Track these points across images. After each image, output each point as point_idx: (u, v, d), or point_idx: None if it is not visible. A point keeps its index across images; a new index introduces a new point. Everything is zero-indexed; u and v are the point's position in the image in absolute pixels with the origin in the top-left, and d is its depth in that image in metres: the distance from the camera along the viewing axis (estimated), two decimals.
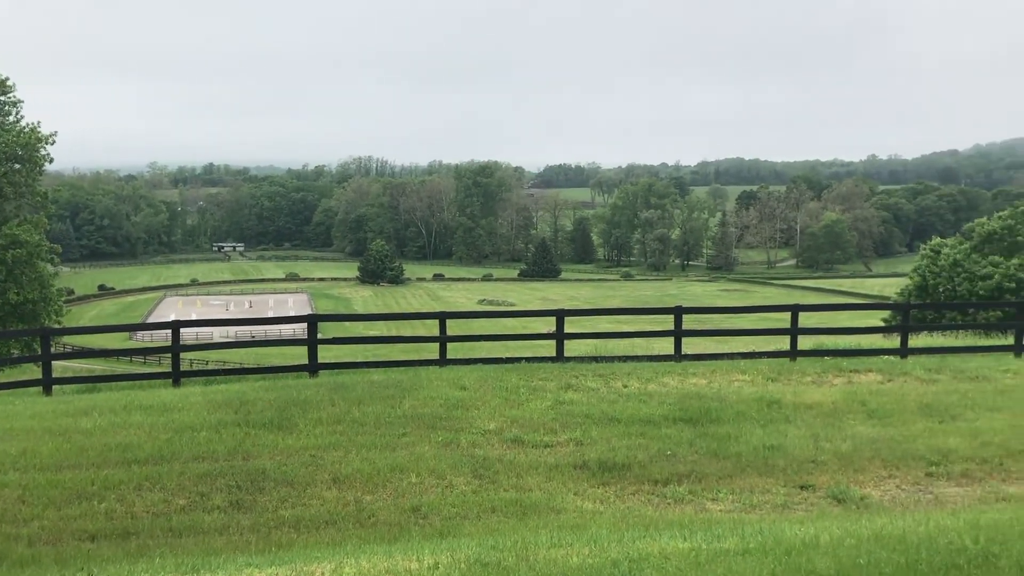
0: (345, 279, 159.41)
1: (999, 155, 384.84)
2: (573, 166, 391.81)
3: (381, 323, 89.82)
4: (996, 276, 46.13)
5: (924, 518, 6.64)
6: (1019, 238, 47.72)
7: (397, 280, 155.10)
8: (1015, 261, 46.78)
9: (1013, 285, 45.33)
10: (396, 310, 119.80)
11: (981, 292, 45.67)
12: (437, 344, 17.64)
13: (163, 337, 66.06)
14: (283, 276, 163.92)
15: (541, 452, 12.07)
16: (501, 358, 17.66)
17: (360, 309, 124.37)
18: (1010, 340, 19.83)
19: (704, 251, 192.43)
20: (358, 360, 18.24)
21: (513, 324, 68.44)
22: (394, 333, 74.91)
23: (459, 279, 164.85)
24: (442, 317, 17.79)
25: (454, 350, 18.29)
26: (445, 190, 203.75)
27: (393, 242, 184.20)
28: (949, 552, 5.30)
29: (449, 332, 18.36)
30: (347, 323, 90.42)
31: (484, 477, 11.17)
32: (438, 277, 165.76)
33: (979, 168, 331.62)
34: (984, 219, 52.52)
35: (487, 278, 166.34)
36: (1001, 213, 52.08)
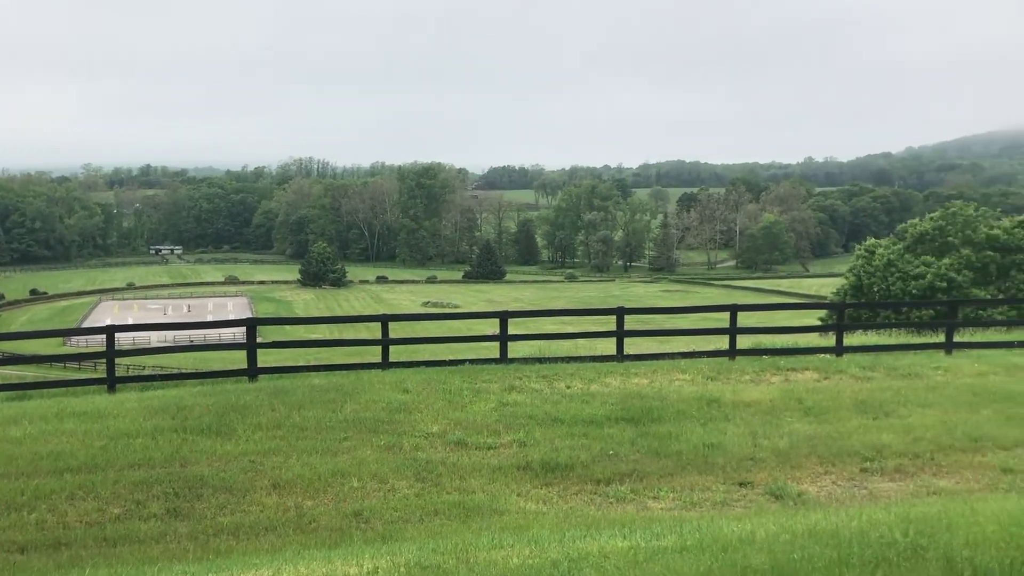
0: (286, 282, 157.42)
1: (930, 158, 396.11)
2: (517, 168, 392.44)
3: (323, 326, 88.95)
4: (928, 276, 47.41)
5: (857, 513, 6.79)
6: (950, 239, 49.12)
7: (339, 282, 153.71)
8: (946, 261, 48.17)
9: (944, 284, 46.65)
10: (338, 313, 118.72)
11: (914, 291, 46.92)
12: (379, 347, 17.51)
13: (98, 342, 64.53)
14: (223, 279, 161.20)
15: (484, 454, 12.05)
16: (444, 360, 17.61)
17: (301, 312, 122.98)
18: (941, 338, 20.39)
19: (646, 252, 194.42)
20: (299, 364, 18.00)
21: (458, 326, 68.34)
22: (336, 336, 74.21)
23: (403, 281, 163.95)
24: (384, 320, 17.67)
25: (397, 353, 18.19)
26: (388, 191, 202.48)
27: (335, 244, 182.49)
28: (880, 546, 5.42)
29: (393, 335, 18.24)
30: (288, 326, 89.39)
31: (427, 480, 11.12)
32: (381, 279, 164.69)
33: (911, 170, 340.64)
34: (916, 220, 53.95)
35: (431, 280, 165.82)
36: (932, 214, 53.54)
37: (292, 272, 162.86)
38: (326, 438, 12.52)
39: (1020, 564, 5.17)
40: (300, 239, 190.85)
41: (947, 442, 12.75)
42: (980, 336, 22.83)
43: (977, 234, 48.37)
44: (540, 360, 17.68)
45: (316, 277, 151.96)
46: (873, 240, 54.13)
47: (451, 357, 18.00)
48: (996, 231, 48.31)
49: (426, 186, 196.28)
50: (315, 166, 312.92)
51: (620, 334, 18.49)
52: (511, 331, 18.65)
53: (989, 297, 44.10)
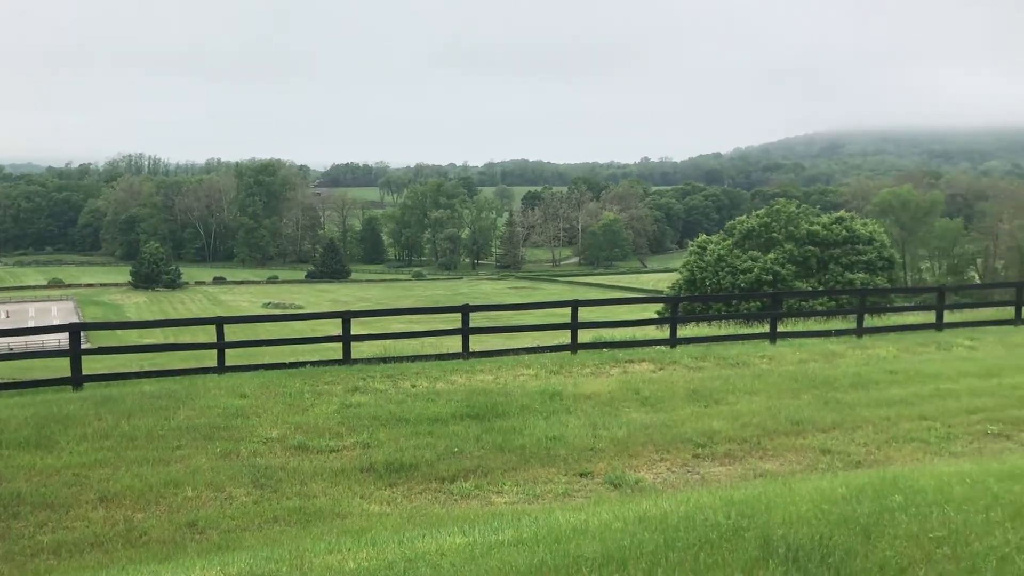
0: (116, 285, 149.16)
1: (757, 158, 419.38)
2: (361, 165, 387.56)
3: (158, 330, 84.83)
4: (755, 269, 50.17)
5: (685, 498, 7.08)
6: (774, 234, 52.04)
7: (174, 284, 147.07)
8: (771, 256, 51.06)
9: (770, 277, 49.48)
10: (173, 316, 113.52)
11: (742, 284, 49.52)
12: (215, 351, 16.86)
13: None
14: (45, 283, 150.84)
15: (327, 457, 11.81)
16: (285, 363, 17.16)
17: (133, 316, 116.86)
18: (766, 328, 21.57)
19: (493, 250, 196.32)
20: (129, 371, 17.09)
21: (300, 327, 66.73)
22: (172, 341, 70.98)
23: (242, 282, 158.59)
24: (220, 322, 17.02)
25: (235, 356, 17.57)
26: (225, 189, 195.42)
27: (169, 244, 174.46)
28: (704, 528, 5.68)
29: (232, 338, 17.62)
30: (120, 331, 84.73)
31: (266, 487, 10.79)
32: (219, 280, 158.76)
33: (740, 170, 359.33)
34: (744, 217, 56.93)
35: (272, 280, 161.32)
36: (758, 212, 56.65)
37: (123, 274, 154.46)
38: (158, 447, 11.94)
39: (828, 539, 5.54)
40: (131, 239, 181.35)
41: (772, 426, 13.49)
42: (801, 326, 24.31)
43: (799, 230, 51.50)
44: (385, 360, 17.52)
45: (149, 279, 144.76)
46: (705, 237, 56.79)
47: (292, 359, 17.57)
48: (816, 227, 51.59)
49: (265, 183, 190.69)
50: (146, 163, 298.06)
51: (466, 331, 18.56)
52: (357, 331, 18.40)
53: (810, 289, 47.07)
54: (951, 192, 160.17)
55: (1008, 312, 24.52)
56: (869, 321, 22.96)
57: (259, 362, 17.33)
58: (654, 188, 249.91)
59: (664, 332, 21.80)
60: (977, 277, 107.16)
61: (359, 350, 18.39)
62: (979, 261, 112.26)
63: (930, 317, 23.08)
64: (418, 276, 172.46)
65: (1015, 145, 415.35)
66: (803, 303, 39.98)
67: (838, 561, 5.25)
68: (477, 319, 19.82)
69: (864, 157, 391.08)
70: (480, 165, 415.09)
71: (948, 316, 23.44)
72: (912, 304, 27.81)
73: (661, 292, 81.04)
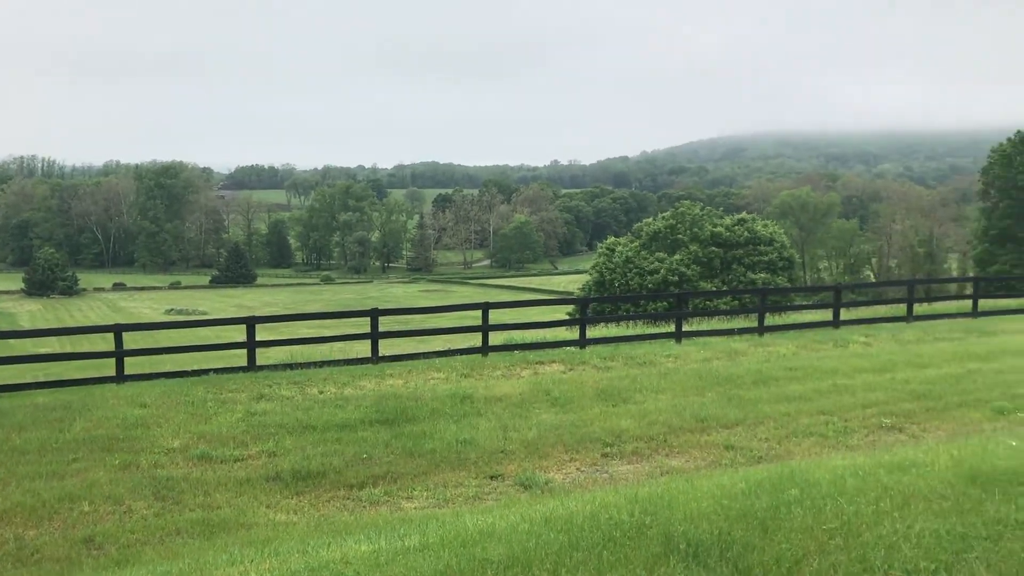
0: (8, 292, 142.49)
1: (663, 161, 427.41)
2: (266, 167, 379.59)
3: (54, 339, 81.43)
4: (662, 270, 51.21)
5: (591, 498, 7.17)
6: (680, 236, 53.20)
7: (71, 291, 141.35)
8: (677, 257, 52.18)
9: (676, 278, 50.54)
10: (70, 324, 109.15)
11: (650, 285, 50.46)
12: (114, 359, 16.28)
13: None
14: None
15: (231, 467, 11.54)
16: (187, 371, 16.70)
17: (27, 324, 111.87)
18: (672, 328, 22.03)
19: (404, 253, 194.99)
20: (21, 382, 16.37)
21: (205, 334, 64.97)
22: (69, 350, 68.27)
23: (143, 288, 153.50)
24: (118, 330, 16.45)
25: (135, 365, 17.00)
26: (124, 192, 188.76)
27: (65, 250, 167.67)
28: (608, 527, 5.76)
29: (133, 345, 17.06)
30: (13, 340, 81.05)
31: (167, 499, 10.47)
32: (119, 287, 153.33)
33: (646, 173, 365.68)
34: (650, 219, 58.05)
35: (175, 286, 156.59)
36: (664, 214, 57.81)
37: (15, 281, 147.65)
38: (52, 460, 11.47)
39: (728, 533, 5.69)
40: (23, 245, 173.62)
41: (678, 424, 13.77)
42: (706, 325, 24.90)
43: (703, 232, 52.77)
44: (291, 366, 17.22)
45: (43, 286, 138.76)
46: (613, 239, 57.71)
47: (195, 367, 17.11)
48: (719, 229, 52.96)
49: (167, 186, 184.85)
50: (39, 165, 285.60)
51: (375, 335, 18.40)
52: (262, 337, 18.03)
53: (714, 289, 48.28)
54: (847, 194, 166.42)
55: (900, 309, 25.63)
56: (770, 319, 23.68)
57: (160, 370, 16.83)
58: (564, 191, 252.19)
59: (575, 333, 22.04)
60: (872, 276, 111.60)
61: (265, 356, 18.03)
62: (874, 260, 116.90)
63: (827, 315, 23.94)
64: (327, 280, 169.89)
65: (906, 148, 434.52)
66: (707, 303, 40.95)
67: (736, 555, 5.40)
68: (387, 323, 19.68)
69: (765, 160, 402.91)
70: (390, 167, 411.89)
71: (844, 314, 24.35)
72: (811, 303, 28.79)
73: (572, 293, 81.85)
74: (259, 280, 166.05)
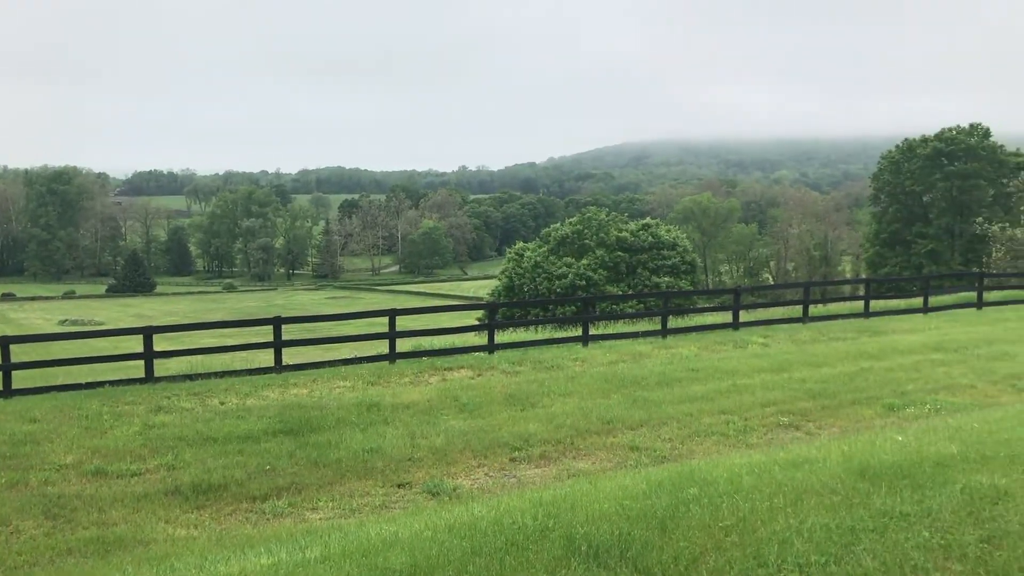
0: None
1: (570, 167, 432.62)
2: (166, 172, 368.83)
3: None
4: (570, 275, 51.71)
5: (496, 503, 7.20)
6: (587, 241, 53.83)
7: None
8: (584, 261, 52.80)
9: (584, 283, 51.14)
10: None
11: (558, 289, 50.92)
12: (0, 373, 15.55)
13: None
14: None
15: (128, 482, 11.15)
16: (81, 383, 16.09)
17: None
18: (579, 332, 22.29)
19: (310, 260, 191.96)
20: None
21: (104, 345, 62.54)
22: None
23: (35, 298, 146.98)
24: (4, 342, 15.73)
25: (25, 378, 16.29)
26: (13, 198, 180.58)
27: None
28: (512, 531, 5.80)
29: (25, 358, 16.33)
30: None
31: (59, 517, 10.05)
32: (8, 297, 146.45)
33: (554, 179, 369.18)
34: (558, 224, 58.55)
35: (69, 296, 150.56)
36: (572, 219, 58.40)
37: None
38: None
39: (628, 534, 5.81)
40: None
41: (584, 426, 13.94)
42: (612, 328, 25.30)
43: (609, 236, 53.55)
44: (191, 377, 16.76)
45: None
46: (522, 244, 58.00)
47: (90, 379, 16.50)
48: (624, 234, 53.83)
49: (59, 192, 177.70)
50: None
51: (278, 344, 18.06)
52: (162, 347, 17.51)
53: (620, 293, 49.06)
54: (746, 199, 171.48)
55: (797, 311, 26.53)
56: (673, 322, 24.20)
57: (52, 384, 16.16)
58: (472, 196, 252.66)
59: (484, 339, 22.09)
60: (770, 278, 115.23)
61: (164, 367, 17.51)
62: (772, 263, 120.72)
63: (728, 317, 24.60)
64: (229, 288, 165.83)
65: (801, 155, 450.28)
66: (613, 306, 41.64)
67: (636, 555, 5.50)
68: (292, 331, 19.34)
69: (668, 167, 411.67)
70: (294, 172, 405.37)
71: (744, 316, 25.06)
72: (712, 305, 29.48)
73: (481, 299, 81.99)
74: (159, 288, 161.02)
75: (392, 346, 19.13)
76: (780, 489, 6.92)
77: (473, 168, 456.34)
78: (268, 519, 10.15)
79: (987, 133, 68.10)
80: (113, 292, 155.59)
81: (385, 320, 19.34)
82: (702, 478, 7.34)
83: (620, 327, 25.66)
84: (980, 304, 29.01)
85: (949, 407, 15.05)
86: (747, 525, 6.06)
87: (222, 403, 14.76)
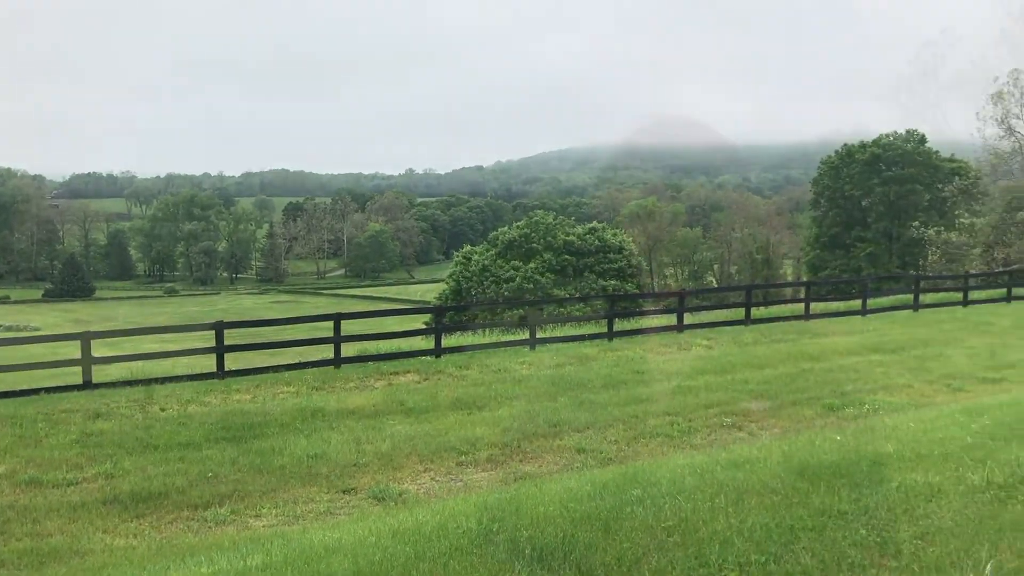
0: None
1: (517, 171, 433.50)
2: (105, 175, 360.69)
3: None
4: (517, 278, 51.90)
5: (442, 507, 7.19)
6: (534, 244, 54.05)
7: None
8: (532, 265, 53.01)
9: (531, 286, 51.32)
10: None
11: (506, 292, 51.04)
12: None
13: None
14: None
15: (64, 491, 10.88)
16: (15, 391, 15.66)
17: None
18: (527, 335, 22.35)
19: (253, 263, 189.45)
20: None
21: (41, 351, 60.99)
22: None
23: None
24: None
25: None
26: None
27: None
28: (456, 536, 5.80)
29: None
30: None
31: None
32: None
33: (501, 183, 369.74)
34: (506, 228, 58.70)
35: (3, 301, 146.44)
36: (519, 223, 58.63)
37: None
38: None
39: (572, 536, 5.84)
40: None
41: (531, 430, 13.96)
42: (559, 331, 25.40)
43: (556, 240, 53.85)
44: (131, 383, 16.42)
45: None
46: (470, 247, 58.05)
47: (25, 387, 16.08)
48: (571, 237, 54.19)
49: None
50: None
51: (220, 350, 17.80)
52: (101, 353, 17.13)
53: (567, 296, 49.31)
54: (690, 204, 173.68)
55: (740, 313, 26.93)
56: (619, 325, 24.40)
57: None
58: (419, 199, 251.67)
59: (431, 342, 22.01)
60: (714, 281, 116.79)
61: (103, 373, 17.15)
62: (716, 267, 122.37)
63: (673, 320, 24.89)
64: (171, 292, 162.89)
65: (744, 160, 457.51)
66: (560, 309, 41.80)
67: (580, 557, 5.54)
68: (235, 336, 19.03)
69: (614, 171, 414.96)
70: (237, 175, 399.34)
71: (688, 318, 25.39)
72: (658, 308, 29.79)
73: (429, 303, 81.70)
74: (98, 293, 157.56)
75: (337, 351, 18.98)
76: (722, 489, 7.02)
77: (420, 172, 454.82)
78: (210, 527, 9.98)
79: (923, 139, 70.01)
80: (50, 297, 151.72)
81: (330, 324, 19.16)
82: (645, 479, 7.42)
83: (566, 330, 25.77)
84: (916, 306, 29.78)
85: (887, 407, 15.41)
86: (689, 525, 6.14)
87: (163, 410, 14.49)
